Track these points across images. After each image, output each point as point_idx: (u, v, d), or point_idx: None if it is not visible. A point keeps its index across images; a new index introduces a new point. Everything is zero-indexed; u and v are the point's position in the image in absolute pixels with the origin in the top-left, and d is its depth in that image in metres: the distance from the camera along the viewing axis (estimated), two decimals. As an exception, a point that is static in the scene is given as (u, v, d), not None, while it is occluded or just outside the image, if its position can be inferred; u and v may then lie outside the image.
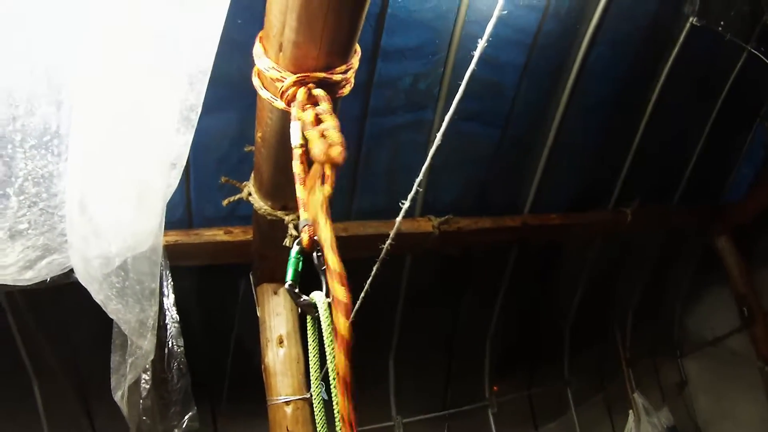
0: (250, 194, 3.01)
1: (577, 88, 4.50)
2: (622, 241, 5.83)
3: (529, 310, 6.23)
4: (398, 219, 2.10)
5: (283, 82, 1.83)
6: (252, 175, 3.02)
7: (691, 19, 4.24)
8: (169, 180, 1.87)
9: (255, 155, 2.75)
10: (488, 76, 4.18)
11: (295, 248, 1.54)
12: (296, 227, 3.01)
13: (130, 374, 2.72)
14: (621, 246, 5.90)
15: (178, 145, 1.78)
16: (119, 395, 2.81)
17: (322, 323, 1.39)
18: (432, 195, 4.67)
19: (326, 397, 3.79)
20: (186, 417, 3.30)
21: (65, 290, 2.59)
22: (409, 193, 4.95)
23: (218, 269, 4.40)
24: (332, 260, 1.33)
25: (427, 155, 4.75)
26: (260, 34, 1.92)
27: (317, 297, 1.45)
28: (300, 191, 1.63)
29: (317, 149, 1.48)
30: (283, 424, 3.65)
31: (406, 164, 4.47)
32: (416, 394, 5.95)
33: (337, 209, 3.79)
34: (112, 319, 2.88)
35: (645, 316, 6.87)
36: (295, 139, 1.73)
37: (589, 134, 4.99)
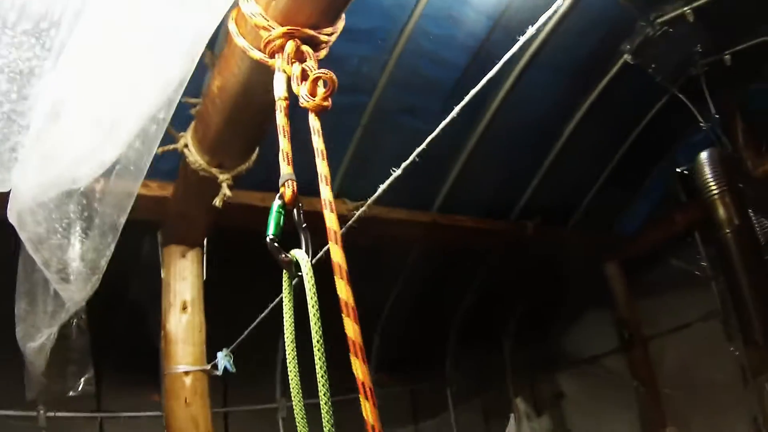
0: (186, 146, 2.86)
1: (506, 103, 4.65)
2: (522, 254, 6.07)
3: (423, 307, 6.34)
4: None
5: (269, 31, 1.77)
6: (192, 126, 2.87)
7: (625, 56, 4.47)
8: (163, 111, 1.71)
9: (203, 106, 2.63)
10: (429, 72, 4.23)
11: (278, 202, 1.49)
12: (230, 187, 2.91)
13: (50, 324, 2.41)
14: (520, 258, 6.14)
15: (179, 77, 1.64)
16: (31, 346, 2.49)
17: (305, 282, 1.34)
18: (350, 181, 4.66)
19: (231, 369, 3.68)
20: (82, 379, 3.05)
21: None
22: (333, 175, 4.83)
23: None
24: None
25: (358, 139, 4.70)
26: (251, -23, 1.85)
27: (299, 255, 1.40)
28: (284, 143, 1.60)
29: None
30: (181, 395, 3.46)
31: (334, 146, 4.42)
32: (302, 379, 5.85)
33: (258, 179, 3.66)
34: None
35: (532, 329, 7.19)
36: (280, 91, 1.70)
37: (508, 148, 5.17)
